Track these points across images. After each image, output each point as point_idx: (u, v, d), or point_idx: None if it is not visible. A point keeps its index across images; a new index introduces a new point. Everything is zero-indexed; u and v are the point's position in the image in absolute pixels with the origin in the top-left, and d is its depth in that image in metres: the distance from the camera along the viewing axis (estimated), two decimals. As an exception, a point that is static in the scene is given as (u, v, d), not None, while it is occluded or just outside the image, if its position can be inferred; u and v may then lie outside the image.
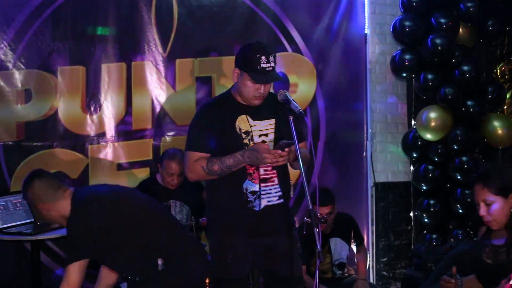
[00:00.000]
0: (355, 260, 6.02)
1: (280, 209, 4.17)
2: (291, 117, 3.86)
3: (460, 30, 6.85)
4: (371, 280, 7.05)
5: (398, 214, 7.38)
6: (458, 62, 6.72)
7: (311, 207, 3.55)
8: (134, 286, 4.10)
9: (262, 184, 4.12)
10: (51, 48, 5.88)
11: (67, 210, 3.96)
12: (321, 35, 6.85)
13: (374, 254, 7.21)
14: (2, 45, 5.72)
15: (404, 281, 6.85)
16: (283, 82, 6.46)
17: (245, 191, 4.11)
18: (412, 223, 7.36)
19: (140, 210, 4.07)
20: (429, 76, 6.77)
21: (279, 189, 4.15)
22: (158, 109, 6.25)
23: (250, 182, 4.11)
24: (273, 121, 4.14)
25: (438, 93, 6.68)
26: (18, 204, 5.34)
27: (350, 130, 7.10)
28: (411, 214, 7.34)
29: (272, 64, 4.00)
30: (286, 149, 3.89)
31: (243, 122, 4.12)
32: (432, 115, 6.71)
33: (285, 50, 6.69)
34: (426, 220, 7.03)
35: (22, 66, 5.78)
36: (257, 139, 4.11)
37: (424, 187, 7.02)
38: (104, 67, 6.06)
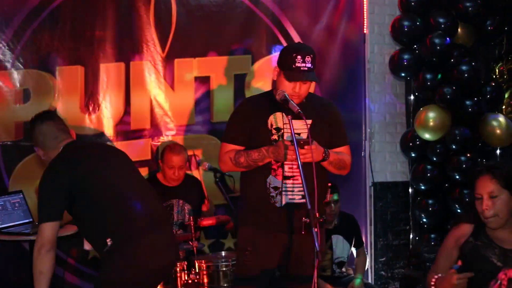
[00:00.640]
0: (354, 262, 6.04)
1: (303, 209, 4.04)
2: (289, 117, 3.86)
3: (459, 29, 6.85)
4: (369, 280, 7.05)
5: (396, 214, 7.38)
6: (456, 62, 6.72)
7: (309, 206, 3.55)
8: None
9: (285, 181, 4.14)
10: (50, 48, 5.89)
11: None
12: (319, 35, 6.85)
13: (373, 254, 7.21)
14: (1, 45, 5.73)
15: (402, 281, 6.85)
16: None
17: (268, 186, 4.15)
18: (411, 223, 7.36)
19: (106, 184, 4.04)
20: (428, 76, 6.77)
21: (302, 188, 4.11)
22: (156, 109, 6.25)
23: (273, 177, 4.14)
24: (309, 121, 4.11)
25: (436, 93, 6.69)
26: (17, 204, 5.34)
27: (348, 129, 7.00)
28: (410, 214, 7.34)
29: (309, 65, 4.05)
30: (306, 147, 3.88)
31: (277, 119, 4.16)
32: (431, 114, 6.71)
33: (284, 49, 6.69)
34: (424, 220, 7.03)
35: (20, 66, 5.78)
36: (287, 137, 4.12)
37: (423, 187, 7.02)
38: (102, 67, 6.07)
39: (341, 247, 5.84)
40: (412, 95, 7.23)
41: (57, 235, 3.93)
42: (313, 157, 3.90)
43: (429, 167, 6.94)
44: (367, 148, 7.12)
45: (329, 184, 4.74)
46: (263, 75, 6.52)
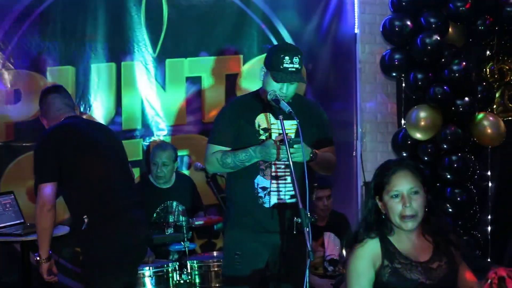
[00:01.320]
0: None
1: (292, 209, 4.07)
2: (281, 117, 3.86)
3: (450, 29, 6.86)
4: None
5: (388, 213, 7.38)
6: (448, 62, 6.73)
7: (301, 206, 3.56)
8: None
9: (274, 181, 4.12)
10: (41, 49, 5.87)
11: None
12: (310, 34, 6.87)
13: (365, 253, 7.21)
14: (-9, 46, 5.72)
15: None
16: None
17: (256, 186, 4.13)
18: (402, 222, 7.36)
19: (90, 165, 4.31)
20: (419, 76, 6.78)
21: (291, 188, 4.12)
22: (148, 109, 6.25)
23: (262, 177, 4.12)
24: (295, 122, 4.11)
25: (427, 93, 6.70)
26: (8, 205, 5.32)
27: (340, 129, 7.09)
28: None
29: (296, 66, 4.01)
30: (295, 146, 3.88)
31: (264, 120, 4.14)
32: (422, 114, 6.72)
33: (275, 50, 6.69)
34: (416, 219, 7.03)
35: (11, 66, 5.77)
36: (275, 138, 4.10)
37: (414, 187, 7.01)
38: (93, 67, 6.05)
39: (333, 243, 5.84)
40: (403, 94, 7.23)
41: (56, 195, 4.22)
42: (303, 157, 3.92)
43: (420, 166, 6.94)
44: (359, 147, 7.13)
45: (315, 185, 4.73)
46: (254, 75, 6.50)
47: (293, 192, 4.12)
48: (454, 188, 6.73)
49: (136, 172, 6.15)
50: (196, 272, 5.13)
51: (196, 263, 5.17)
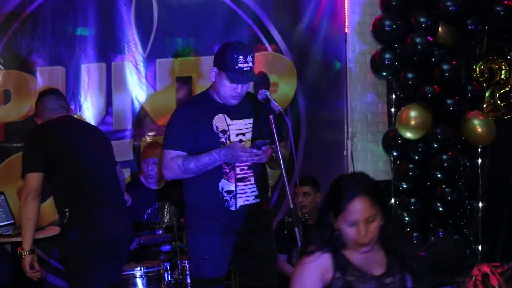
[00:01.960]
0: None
1: (257, 209, 4.14)
2: (271, 117, 3.86)
3: (440, 29, 6.87)
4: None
5: (379, 212, 7.39)
6: (438, 61, 6.75)
7: (292, 206, 3.56)
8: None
9: (238, 184, 4.09)
10: (31, 49, 5.85)
11: None
12: (301, 34, 6.87)
13: (356, 253, 7.21)
14: (-19, 46, 5.70)
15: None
16: (261, 83, 6.44)
17: (221, 190, 4.08)
18: (393, 222, 7.36)
19: (76, 162, 4.38)
20: (409, 75, 6.79)
21: (255, 189, 4.12)
22: (138, 109, 6.24)
23: (226, 181, 4.08)
24: (250, 120, 4.11)
25: (418, 92, 6.71)
26: (-2, 206, 5.32)
27: (330, 129, 7.12)
28: (392, 212, 7.35)
29: (250, 64, 3.97)
30: (262, 148, 3.87)
31: (220, 121, 4.08)
32: (412, 113, 6.74)
33: (266, 49, 6.70)
34: (406, 218, 7.05)
35: (1, 66, 5.75)
36: (234, 138, 4.08)
37: (405, 186, 7.04)
38: (84, 67, 6.04)
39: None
40: (393, 94, 7.25)
41: (41, 185, 4.28)
42: (265, 158, 3.96)
43: (411, 166, 6.96)
44: (349, 147, 7.14)
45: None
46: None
47: (257, 193, 4.14)
48: (445, 187, 6.75)
49: (126, 172, 6.15)
50: (187, 273, 5.12)
51: (187, 263, 5.15)
